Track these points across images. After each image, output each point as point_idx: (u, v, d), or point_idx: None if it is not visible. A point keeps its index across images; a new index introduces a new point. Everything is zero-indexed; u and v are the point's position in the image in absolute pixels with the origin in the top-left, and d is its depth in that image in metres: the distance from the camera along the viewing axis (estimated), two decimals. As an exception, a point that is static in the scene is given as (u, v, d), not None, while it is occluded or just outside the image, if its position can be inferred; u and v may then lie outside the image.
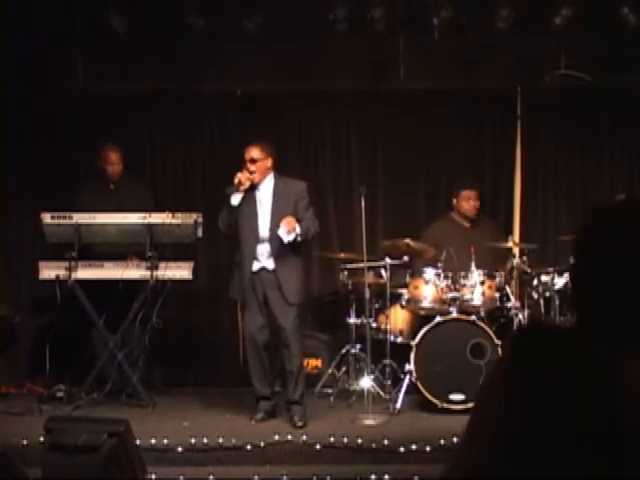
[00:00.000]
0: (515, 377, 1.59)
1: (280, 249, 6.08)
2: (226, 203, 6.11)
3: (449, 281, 6.68)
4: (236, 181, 6.00)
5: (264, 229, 6.10)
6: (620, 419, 1.51)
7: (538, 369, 1.57)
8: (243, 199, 6.07)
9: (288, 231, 5.94)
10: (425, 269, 6.81)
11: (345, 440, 5.57)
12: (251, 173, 6.05)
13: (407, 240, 6.82)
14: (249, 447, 5.53)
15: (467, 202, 7.25)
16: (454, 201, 7.33)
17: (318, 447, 5.54)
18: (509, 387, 1.60)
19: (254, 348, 6.20)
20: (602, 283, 1.59)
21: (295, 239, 6.00)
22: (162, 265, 6.48)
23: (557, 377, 1.55)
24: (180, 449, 5.51)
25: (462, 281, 6.66)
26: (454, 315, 6.59)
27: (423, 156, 7.94)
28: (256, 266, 6.10)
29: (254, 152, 6.11)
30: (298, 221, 6.07)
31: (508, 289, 6.88)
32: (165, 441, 5.52)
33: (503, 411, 1.59)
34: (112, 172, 7.10)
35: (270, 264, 6.10)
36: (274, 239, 6.07)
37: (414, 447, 5.45)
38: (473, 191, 7.29)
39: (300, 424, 5.94)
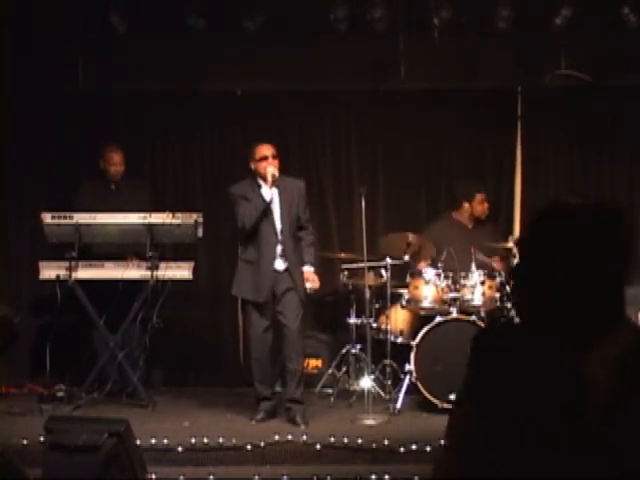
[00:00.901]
0: (472, 379, 1.64)
1: (291, 250, 6.11)
2: (242, 201, 6.13)
3: (449, 281, 6.69)
4: (270, 177, 6.07)
5: (278, 229, 6.14)
6: (578, 415, 1.54)
7: (492, 370, 1.60)
8: (255, 199, 6.10)
9: (314, 288, 6.31)
10: (425, 269, 6.82)
11: (345, 440, 5.57)
12: (273, 177, 6.11)
13: (408, 234, 6.86)
14: (249, 447, 5.53)
15: (482, 205, 7.34)
16: (465, 205, 7.32)
17: (318, 447, 5.53)
18: (469, 389, 1.64)
19: (261, 349, 6.18)
20: (558, 282, 1.63)
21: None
22: (162, 265, 6.48)
23: (513, 378, 1.58)
24: (180, 449, 5.51)
25: (462, 281, 6.67)
26: (454, 315, 6.59)
27: (423, 156, 7.95)
28: (272, 267, 6.12)
29: (272, 149, 6.21)
30: (301, 226, 6.24)
31: (508, 289, 6.88)
32: (165, 441, 5.52)
33: (466, 414, 1.65)
34: (114, 173, 7.10)
35: (280, 265, 6.12)
36: (286, 240, 6.10)
37: (414, 447, 5.45)
38: (483, 194, 7.35)
39: (303, 425, 5.94)
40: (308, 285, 6.29)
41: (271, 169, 6.09)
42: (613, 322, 1.63)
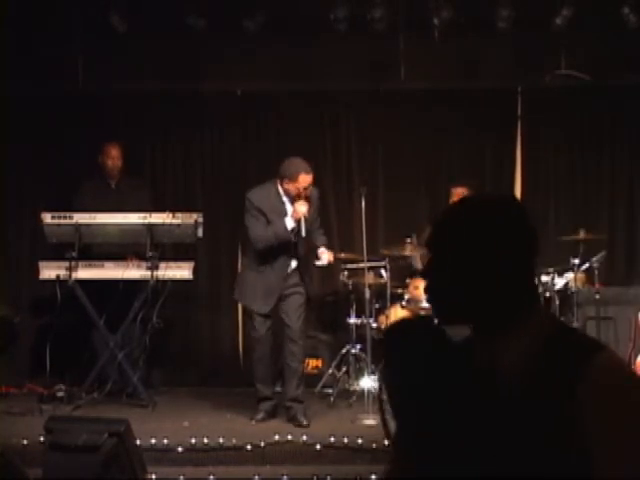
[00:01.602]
0: (389, 379, 1.70)
1: (302, 252, 6.09)
2: (260, 216, 5.94)
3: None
4: (300, 216, 5.86)
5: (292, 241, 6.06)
6: (492, 405, 1.59)
7: (405, 367, 1.69)
8: (277, 224, 5.95)
9: (330, 260, 6.18)
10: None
11: (345, 440, 5.57)
12: (300, 199, 5.90)
13: (408, 241, 6.85)
14: (249, 447, 5.52)
15: (451, 199, 7.22)
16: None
17: (318, 447, 5.53)
18: (388, 389, 1.71)
19: (262, 349, 6.16)
20: (466, 275, 1.69)
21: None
22: (162, 265, 6.47)
23: (426, 374, 1.66)
24: (180, 449, 5.51)
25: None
26: (454, 315, 6.58)
27: (423, 156, 7.95)
28: (288, 270, 6.06)
29: (311, 179, 5.93)
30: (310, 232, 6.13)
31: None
32: (165, 441, 5.52)
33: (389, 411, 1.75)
34: (112, 166, 7.09)
35: (294, 263, 6.10)
36: (298, 243, 6.06)
37: (414, 447, 5.44)
38: (459, 188, 7.21)
39: (306, 423, 5.94)
40: (324, 258, 6.13)
41: (303, 210, 5.86)
42: (525, 311, 1.69)
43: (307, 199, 5.96)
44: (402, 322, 1.79)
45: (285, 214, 5.96)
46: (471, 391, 1.64)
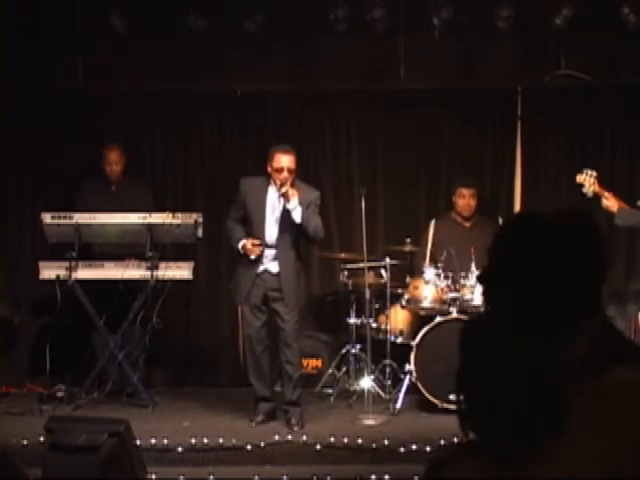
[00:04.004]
0: (461, 371, 1.68)
1: (284, 253, 6.07)
2: (239, 208, 6.15)
3: (449, 281, 6.68)
4: (279, 191, 5.92)
5: (272, 233, 6.07)
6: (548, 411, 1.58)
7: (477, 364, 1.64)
8: (253, 202, 6.08)
9: (289, 194, 5.89)
10: (425, 269, 6.81)
11: (345, 440, 5.57)
12: (282, 185, 5.90)
13: (408, 241, 6.86)
14: (249, 447, 5.53)
15: (462, 199, 7.20)
16: (453, 199, 7.31)
17: (318, 447, 5.54)
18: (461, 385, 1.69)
19: (252, 348, 6.19)
20: (536, 285, 1.64)
21: (301, 222, 5.96)
22: (162, 265, 6.47)
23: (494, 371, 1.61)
24: (180, 449, 5.51)
25: (462, 281, 6.66)
26: (454, 315, 6.58)
27: (423, 156, 7.94)
28: (260, 268, 6.09)
29: (290, 161, 5.96)
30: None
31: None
32: (165, 441, 5.52)
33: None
34: (110, 172, 7.09)
35: (274, 267, 6.08)
36: (280, 242, 6.06)
37: (414, 447, 5.46)
38: (468, 189, 7.24)
39: (296, 427, 5.91)
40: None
41: (285, 188, 5.89)
42: (585, 319, 1.66)
43: (292, 187, 5.93)
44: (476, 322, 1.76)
45: (264, 203, 6.04)
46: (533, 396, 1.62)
